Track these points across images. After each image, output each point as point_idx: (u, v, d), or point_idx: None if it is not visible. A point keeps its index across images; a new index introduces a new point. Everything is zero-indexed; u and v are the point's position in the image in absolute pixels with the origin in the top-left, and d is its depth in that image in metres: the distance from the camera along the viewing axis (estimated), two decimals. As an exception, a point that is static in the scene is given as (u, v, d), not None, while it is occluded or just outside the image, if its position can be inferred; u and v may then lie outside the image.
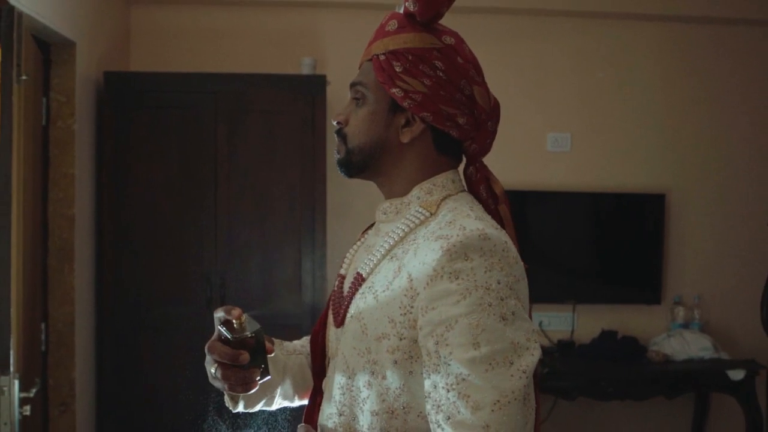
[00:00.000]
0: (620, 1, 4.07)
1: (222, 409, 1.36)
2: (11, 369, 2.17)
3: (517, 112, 3.95)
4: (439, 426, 1.03)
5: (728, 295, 4.16)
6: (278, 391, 1.35)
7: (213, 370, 1.15)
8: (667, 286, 4.16)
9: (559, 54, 4.14)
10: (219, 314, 1.14)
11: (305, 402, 1.34)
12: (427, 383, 1.06)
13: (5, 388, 2.14)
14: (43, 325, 2.92)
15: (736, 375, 3.71)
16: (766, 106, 4.09)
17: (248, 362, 1.12)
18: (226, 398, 1.29)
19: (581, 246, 4.15)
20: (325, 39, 3.99)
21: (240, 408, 1.31)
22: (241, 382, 1.14)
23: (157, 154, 3.42)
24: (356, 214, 3.73)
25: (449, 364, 1.02)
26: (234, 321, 1.12)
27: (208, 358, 1.16)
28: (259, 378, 1.15)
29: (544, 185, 4.10)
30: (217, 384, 1.18)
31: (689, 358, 3.83)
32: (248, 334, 1.12)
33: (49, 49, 2.99)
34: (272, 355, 1.21)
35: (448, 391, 1.02)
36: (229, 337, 1.12)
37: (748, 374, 3.71)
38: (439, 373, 1.04)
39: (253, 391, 1.16)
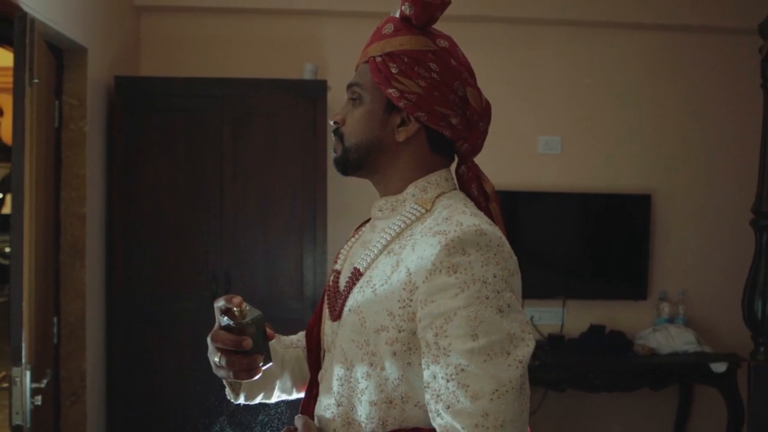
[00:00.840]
0: (608, 11, 4.05)
1: (225, 402, 1.34)
2: (23, 360, 2.15)
3: (509, 115, 3.94)
4: (438, 415, 1.02)
5: (711, 291, 4.15)
6: (277, 384, 1.33)
7: (217, 359, 1.13)
8: (652, 283, 4.14)
9: (550, 61, 4.13)
10: (219, 303, 1.12)
11: (302, 395, 1.33)
12: (426, 374, 1.04)
13: (17, 379, 2.13)
14: (55, 319, 2.90)
15: (719, 368, 3.70)
16: (746, 111, 4.07)
17: (251, 348, 1.11)
18: (228, 390, 1.27)
19: (571, 244, 4.14)
20: (326, 46, 3.98)
21: (241, 400, 1.30)
22: (245, 368, 1.12)
23: (165, 156, 3.41)
24: (356, 212, 3.67)
25: (448, 355, 1.01)
26: (235, 309, 1.10)
27: (211, 347, 1.14)
28: (261, 364, 1.13)
29: (535, 186, 4.09)
30: (221, 373, 1.15)
31: (674, 351, 3.81)
32: (249, 320, 1.11)
33: (62, 55, 2.97)
34: (273, 341, 1.19)
35: (448, 381, 1.01)
36: (231, 324, 1.11)
37: (730, 367, 3.70)
38: (438, 363, 1.02)
39: (257, 377, 1.14)
